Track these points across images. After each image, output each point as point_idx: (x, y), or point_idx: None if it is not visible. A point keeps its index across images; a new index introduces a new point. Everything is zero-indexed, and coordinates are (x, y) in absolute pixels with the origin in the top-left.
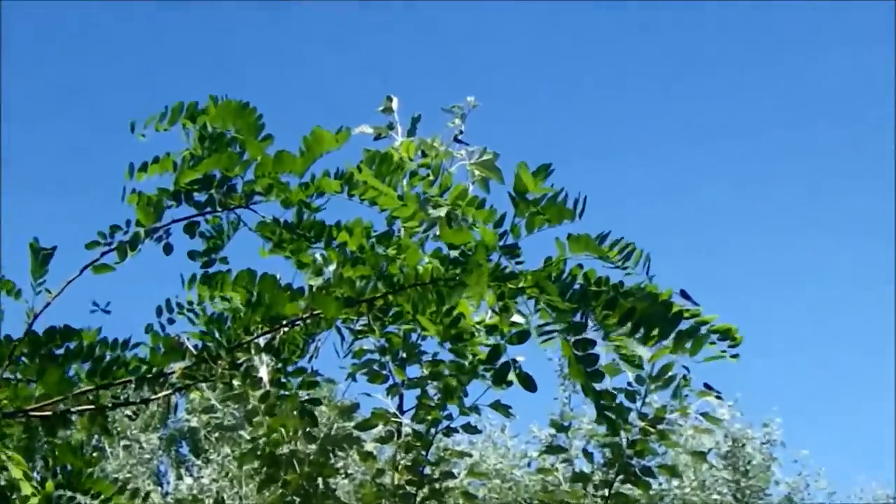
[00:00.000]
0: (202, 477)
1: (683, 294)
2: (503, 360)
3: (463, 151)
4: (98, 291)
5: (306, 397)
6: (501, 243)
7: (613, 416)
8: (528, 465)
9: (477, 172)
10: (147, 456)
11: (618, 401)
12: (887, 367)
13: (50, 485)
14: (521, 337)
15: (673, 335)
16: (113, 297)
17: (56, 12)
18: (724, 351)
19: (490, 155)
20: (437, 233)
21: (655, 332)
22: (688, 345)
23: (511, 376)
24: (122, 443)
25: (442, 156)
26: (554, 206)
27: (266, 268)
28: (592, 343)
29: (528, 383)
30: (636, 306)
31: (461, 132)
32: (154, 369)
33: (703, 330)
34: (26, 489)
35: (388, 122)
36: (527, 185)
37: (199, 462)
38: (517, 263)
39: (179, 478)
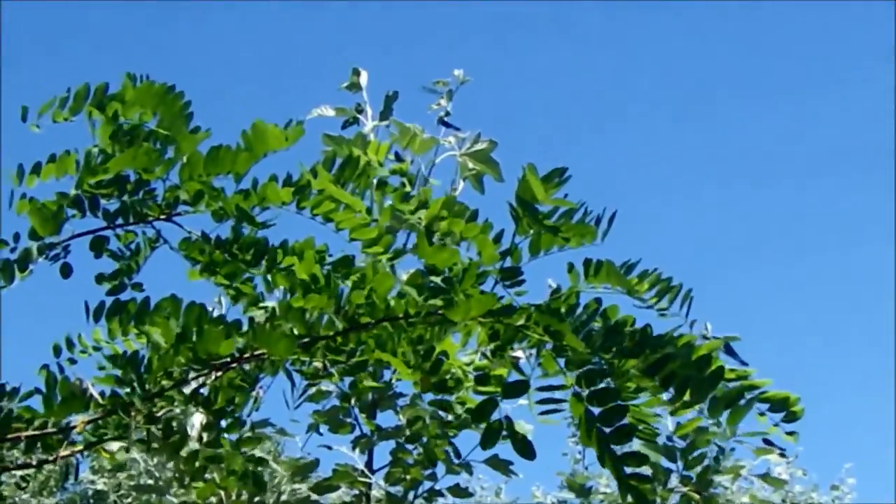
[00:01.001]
0: None
1: (727, 349)
2: (495, 417)
3: (451, 138)
4: None
5: (250, 455)
6: (498, 266)
7: (641, 487)
8: None
9: (470, 165)
10: None
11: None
12: None
13: None
14: (517, 390)
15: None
16: None
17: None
18: (776, 425)
19: (486, 143)
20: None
21: (687, 394)
22: (724, 414)
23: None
24: None
25: (424, 145)
26: (571, 222)
27: (193, 296)
28: (615, 394)
29: (526, 449)
30: (667, 357)
31: (448, 113)
32: (49, 424)
33: (747, 397)
34: None
35: (354, 103)
36: (535, 194)
37: None
38: (517, 295)
39: None
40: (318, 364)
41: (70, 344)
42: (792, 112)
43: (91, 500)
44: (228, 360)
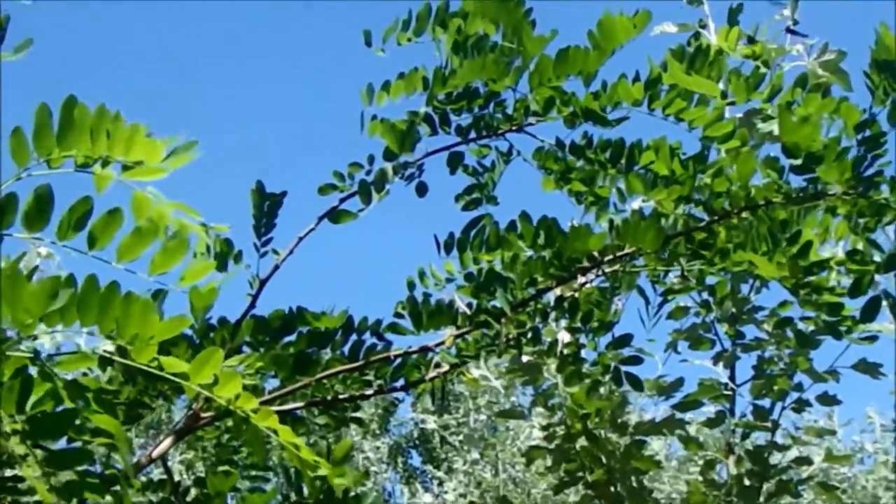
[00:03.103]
0: (446, 491)
1: None
2: (871, 294)
3: (799, 46)
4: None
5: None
6: (859, 137)
7: None
8: (862, 461)
9: (819, 73)
10: (374, 468)
11: None
12: None
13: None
14: (890, 264)
15: None
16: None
17: None
18: None
19: (834, 53)
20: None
21: None
22: None
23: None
24: None
25: (771, 53)
26: None
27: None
28: None
29: None
30: None
31: (795, 22)
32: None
33: None
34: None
35: (697, 18)
36: (892, 50)
37: (439, 473)
38: (880, 167)
39: (413, 494)
40: (675, 279)
41: (423, 276)
42: None
43: (416, 441)
44: (590, 265)
